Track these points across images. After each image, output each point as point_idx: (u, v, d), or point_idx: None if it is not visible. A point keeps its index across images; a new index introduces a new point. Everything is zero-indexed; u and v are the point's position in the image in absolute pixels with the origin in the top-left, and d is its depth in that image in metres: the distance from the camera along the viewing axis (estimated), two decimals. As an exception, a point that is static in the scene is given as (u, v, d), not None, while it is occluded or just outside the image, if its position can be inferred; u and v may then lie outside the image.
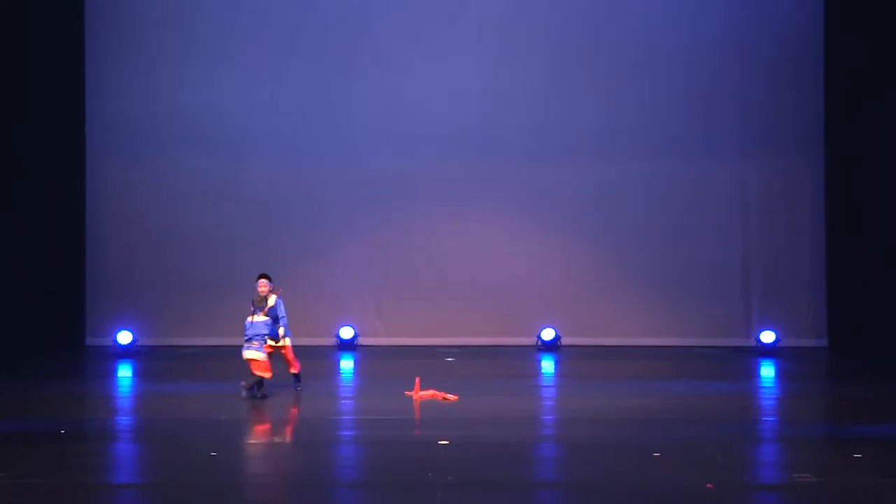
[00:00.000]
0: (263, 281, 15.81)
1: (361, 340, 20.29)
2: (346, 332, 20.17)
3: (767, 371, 18.49)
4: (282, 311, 15.67)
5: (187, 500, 10.92)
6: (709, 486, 11.24)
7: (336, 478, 12.10)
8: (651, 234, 20.27)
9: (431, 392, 15.50)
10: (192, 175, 20.24)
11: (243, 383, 15.45)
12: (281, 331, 15.61)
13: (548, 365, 19.06)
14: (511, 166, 20.25)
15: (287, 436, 13.99)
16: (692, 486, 11.26)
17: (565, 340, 20.19)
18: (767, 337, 19.91)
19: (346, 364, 19.07)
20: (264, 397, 15.35)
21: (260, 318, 15.51)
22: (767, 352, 19.70)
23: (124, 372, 18.36)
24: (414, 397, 15.44)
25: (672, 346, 20.08)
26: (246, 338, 15.50)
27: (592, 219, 20.32)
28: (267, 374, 15.47)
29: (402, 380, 16.10)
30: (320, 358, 19.13)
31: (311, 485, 11.52)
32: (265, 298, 15.70)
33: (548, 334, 20.13)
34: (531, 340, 20.24)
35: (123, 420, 14.99)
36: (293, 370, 15.97)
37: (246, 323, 15.59)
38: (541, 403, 16.35)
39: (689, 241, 20.25)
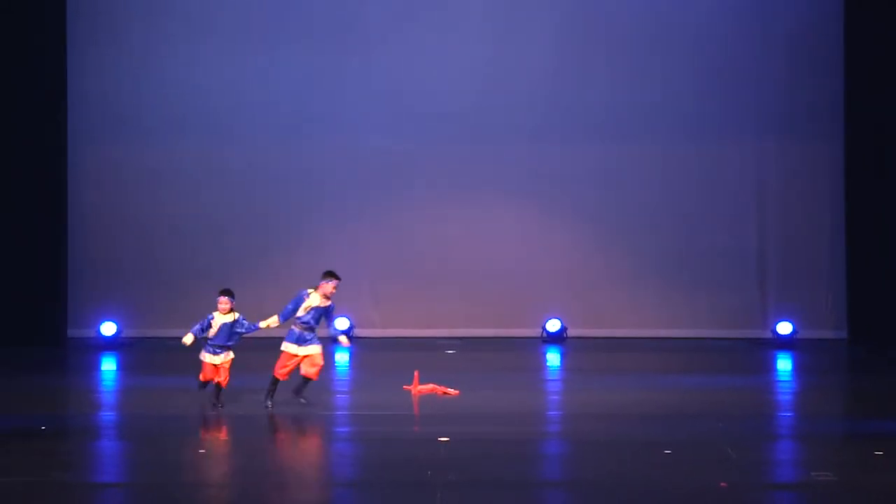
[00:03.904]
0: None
1: (357, 332, 20.15)
2: (342, 323, 19.82)
3: (784, 364, 18.44)
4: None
5: (175, 499, 10.78)
6: (723, 484, 11.07)
7: (331, 476, 11.97)
8: (662, 221, 20.17)
9: (431, 386, 15.32)
10: (179, 159, 20.15)
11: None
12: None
13: (553, 358, 18.97)
14: (514, 149, 20.15)
15: (279, 432, 13.81)
16: (705, 485, 11.11)
17: (571, 332, 20.05)
18: (784, 328, 19.80)
19: (342, 357, 18.86)
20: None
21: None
22: (784, 344, 19.60)
23: (108, 365, 18.33)
24: (413, 392, 15.26)
25: (684, 338, 20.02)
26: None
27: (600, 204, 20.22)
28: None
29: (401, 373, 15.93)
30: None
31: (305, 483, 11.42)
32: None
33: (553, 325, 19.99)
34: (536, 332, 20.11)
35: (107, 416, 14.86)
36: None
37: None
38: (546, 398, 16.24)
39: (702, 228, 20.18)
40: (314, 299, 14.36)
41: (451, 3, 20.13)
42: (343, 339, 14.87)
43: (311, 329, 14.37)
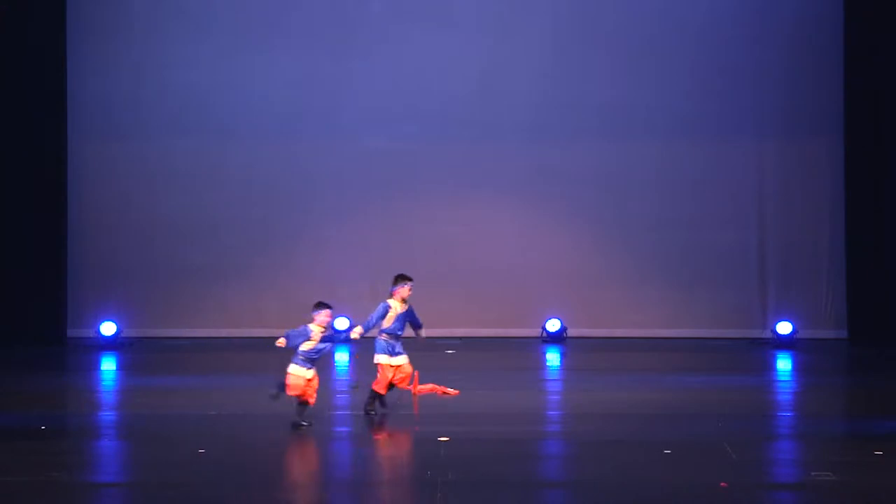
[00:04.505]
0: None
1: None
2: (341, 323, 19.77)
3: (784, 364, 18.35)
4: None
5: (173, 499, 10.72)
6: (723, 484, 11.01)
7: (331, 476, 11.91)
8: (662, 220, 20.09)
9: (431, 386, 15.02)
10: (178, 157, 20.05)
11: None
12: None
13: (553, 357, 18.90)
14: (515, 148, 20.08)
15: (279, 432, 13.57)
16: (705, 484, 11.05)
17: (571, 332, 19.97)
18: (784, 328, 19.67)
19: (342, 357, 18.80)
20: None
21: None
22: (784, 344, 19.49)
23: (108, 365, 18.25)
24: (412, 391, 14.96)
25: (684, 338, 19.96)
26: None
27: (600, 203, 20.14)
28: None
29: None
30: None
31: (304, 483, 11.38)
32: None
33: (553, 325, 19.91)
34: (535, 332, 20.03)
35: (107, 416, 14.81)
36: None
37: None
38: (546, 398, 16.19)
39: (701, 227, 20.10)
40: (396, 307, 14.11)
41: (451, 3, 20.05)
42: (422, 332, 14.36)
43: (398, 338, 14.11)
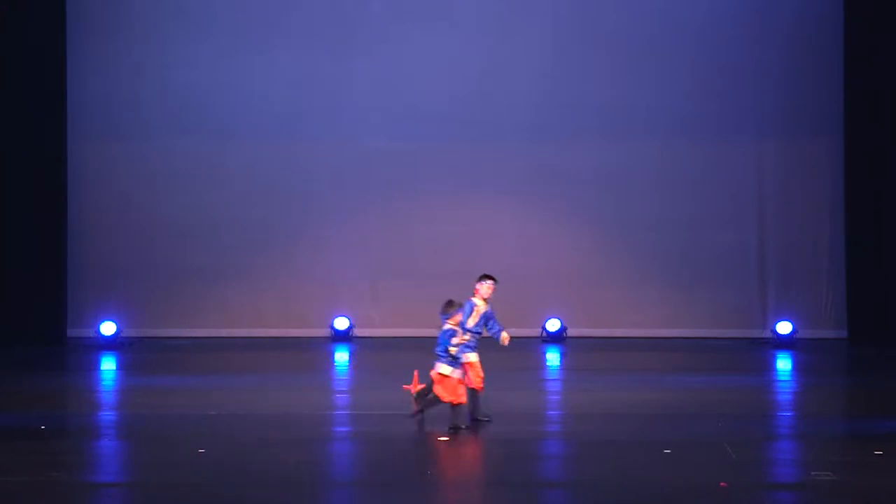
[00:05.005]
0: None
1: (357, 331, 20.00)
2: (341, 323, 19.91)
3: (784, 364, 18.32)
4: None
5: (173, 499, 10.73)
6: (723, 484, 11.00)
7: (330, 476, 11.94)
8: (662, 220, 20.05)
9: (431, 386, 15.12)
10: (178, 157, 20.02)
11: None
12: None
13: (553, 357, 18.92)
14: (514, 148, 20.06)
15: (279, 432, 13.62)
16: (705, 484, 11.05)
17: (571, 332, 19.95)
18: (784, 328, 19.62)
19: (341, 356, 18.88)
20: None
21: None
22: (784, 343, 19.43)
23: (108, 365, 18.24)
24: (412, 391, 14.89)
25: (684, 338, 19.91)
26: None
27: (600, 203, 20.12)
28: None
29: (400, 373, 15.52)
30: (314, 350, 19.08)
31: (304, 483, 11.31)
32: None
33: (553, 325, 19.90)
34: (535, 332, 20.00)
35: (107, 415, 14.80)
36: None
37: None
38: (546, 398, 16.20)
39: (701, 227, 20.06)
40: (481, 306, 13.76)
41: (451, 3, 20.03)
42: (504, 335, 13.83)
43: (478, 336, 13.69)
